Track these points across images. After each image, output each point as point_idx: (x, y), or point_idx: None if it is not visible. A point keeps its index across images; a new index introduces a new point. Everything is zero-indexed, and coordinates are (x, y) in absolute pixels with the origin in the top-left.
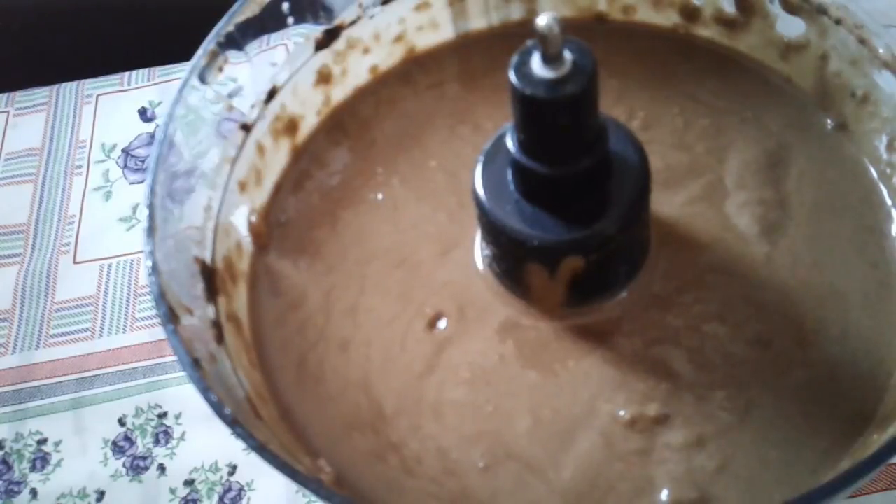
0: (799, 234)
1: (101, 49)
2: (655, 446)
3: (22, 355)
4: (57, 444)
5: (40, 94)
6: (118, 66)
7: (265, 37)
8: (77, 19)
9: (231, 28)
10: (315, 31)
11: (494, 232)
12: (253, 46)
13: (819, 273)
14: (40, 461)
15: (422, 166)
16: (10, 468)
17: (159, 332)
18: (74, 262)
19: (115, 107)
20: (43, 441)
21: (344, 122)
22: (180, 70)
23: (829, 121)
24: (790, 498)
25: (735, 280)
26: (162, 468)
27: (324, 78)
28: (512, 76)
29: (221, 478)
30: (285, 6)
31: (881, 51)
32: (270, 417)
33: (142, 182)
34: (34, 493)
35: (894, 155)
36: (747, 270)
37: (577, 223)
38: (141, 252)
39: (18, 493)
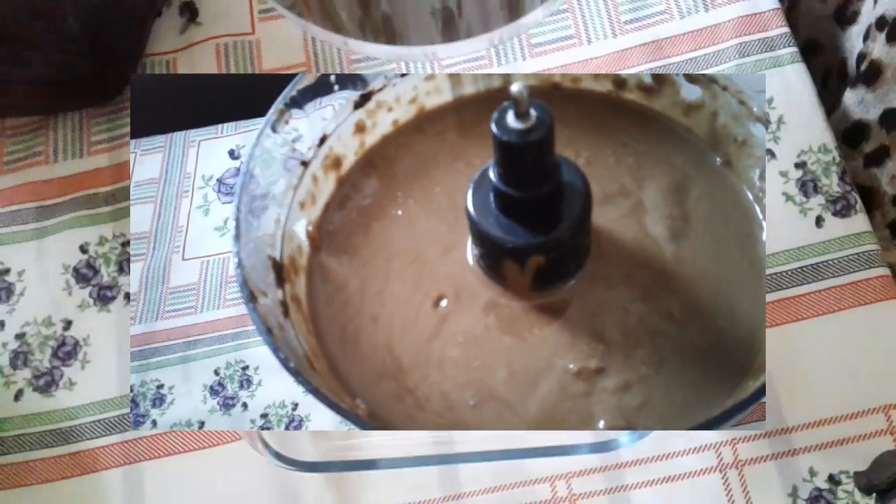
0: (697, 240)
1: (203, 109)
2: (595, 390)
3: (145, 325)
4: (170, 388)
5: (159, 140)
6: (215, 119)
7: (318, 99)
8: (185, 90)
9: (294, 93)
10: (353, 95)
11: (480, 237)
12: (310, 106)
13: (712, 267)
14: (158, 400)
15: (429, 191)
16: (137, 405)
17: (243, 309)
18: (183, 259)
19: (212, 149)
20: (160, 386)
21: (374, 160)
22: (258, 123)
23: (718, 159)
24: (691, 425)
25: (652, 272)
26: (245, 405)
27: (360, 128)
28: (493, 127)
29: (287, 412)
30: (332, 78)
31: (755, 109)
32: (322, 370)
33: (230, 202)
34: (154, 423)
35: (764, 183)
36: (660, 265)
37: (540, 231)
38: (230, 252)
39: (143, 423)
